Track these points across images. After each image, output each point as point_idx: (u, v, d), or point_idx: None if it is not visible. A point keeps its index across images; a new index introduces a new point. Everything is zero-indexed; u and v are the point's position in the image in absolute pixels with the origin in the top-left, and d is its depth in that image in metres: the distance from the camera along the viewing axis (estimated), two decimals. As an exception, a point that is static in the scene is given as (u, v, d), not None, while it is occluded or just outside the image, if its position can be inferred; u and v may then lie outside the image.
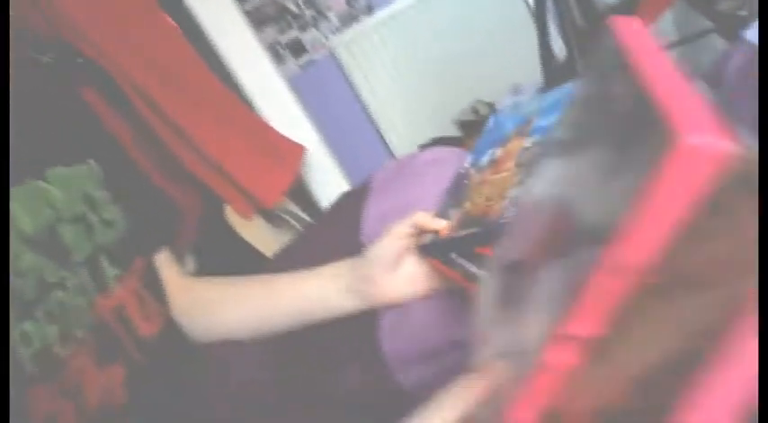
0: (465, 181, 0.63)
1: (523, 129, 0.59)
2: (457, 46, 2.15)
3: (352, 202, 0.90)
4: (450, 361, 0.64)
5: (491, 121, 0.87)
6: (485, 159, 0.68)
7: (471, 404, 0.38)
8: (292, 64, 2.11)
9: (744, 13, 0.95)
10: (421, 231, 0.58)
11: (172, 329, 0.62)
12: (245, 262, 1.45)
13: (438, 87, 2.20)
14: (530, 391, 0.32)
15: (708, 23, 1.22)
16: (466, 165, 0.85)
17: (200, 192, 1.46)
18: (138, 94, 1.31)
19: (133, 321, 0.55)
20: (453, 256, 0.55)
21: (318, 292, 0.62)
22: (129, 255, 0.57)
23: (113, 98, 1.27)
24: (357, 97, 2.18)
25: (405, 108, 2.22)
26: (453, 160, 0.85)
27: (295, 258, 0.94)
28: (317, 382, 0.76)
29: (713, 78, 0.78)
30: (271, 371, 0.76)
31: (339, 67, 2.13)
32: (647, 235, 0.24)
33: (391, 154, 2.24)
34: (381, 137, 2.28)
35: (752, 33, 0.74)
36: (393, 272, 0.59)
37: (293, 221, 1.59)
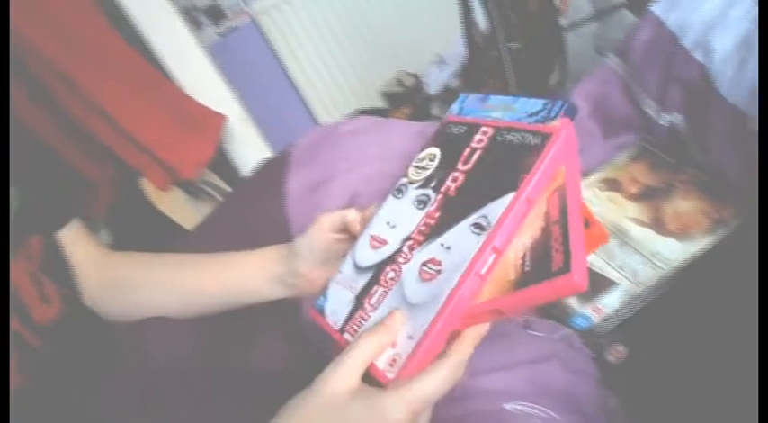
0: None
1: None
2: (381, 15, 2.13)
3: (273, 173, 0.88)
4: None
5: (457, 104, 0.86)
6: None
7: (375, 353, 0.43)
8: (211, 31, 2.02)
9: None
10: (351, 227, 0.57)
11: (75, 311, 0.58)
12: (164, 234, 1.40)
13: (363, 57, 2.18)
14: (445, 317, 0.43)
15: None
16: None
17: (114, 163, 1.38)
18: (43, 62, 1.22)
19: (27, 306, 0.51)
20: None
21: (247, 280, 0.61)
22: (19, 234, 0.53)
23: (15, 68, 1.18)
24: (280, 66, 2.12)
25: (330, 78, 2.19)
26: (373, 131, 0.85)
27: (217, 231, 0.91)
28: (239, 355, 0.75)
29: (623, 51, 0.82)
30: (192, 345, 0.74)
31: (261, 34, 2.06)
32: None
33: (317, 125, 2.22)
34: (307, 107, 2.24)
35: (659, 8, 0.77)
36: (323, 265, 0.58)
37: (215, 193, 1.54)
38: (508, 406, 0.54)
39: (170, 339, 0.72)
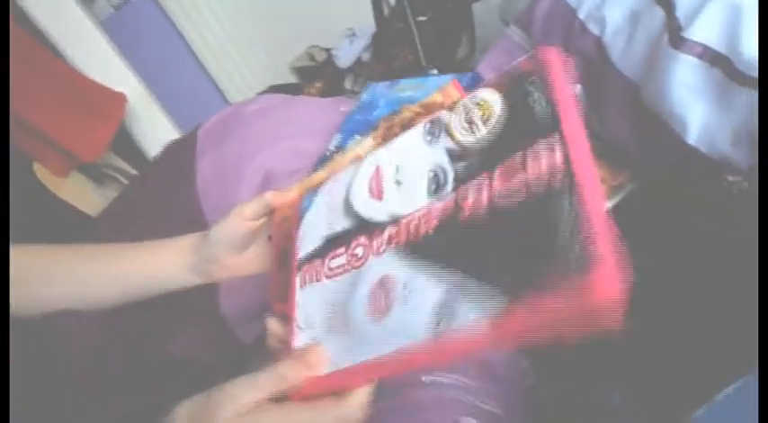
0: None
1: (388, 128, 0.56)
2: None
3: (182, 155, 0.85)
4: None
5: (367, 94, 0.84)
6: (348, 145, 0.65)
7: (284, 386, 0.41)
8: (104, 3, 1.89)
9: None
10: (272, 210, 0.55)
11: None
12: (67, 223, 1.32)
13: (272, 32, 2.11)
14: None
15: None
16: (331, 148, 0.81)
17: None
18: None
19: None
20: None
21: (158, 270, 0.59)
22: None
23: None
24: (182, 40, 2.02)
25: (237, 52, 2.12)
26: (282, 108, 0.83)
27: (125, 216, 0.87)
28: (157, 345, 0.73)
29: (524, 23, 0.84)
30: (110, 337, 0.71)
31: (158, 6, 1.95)
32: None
33: (227, 102, 2.14)
34: (214, 83, 2.16)
35: (556, -20, 0.80)
36: (239, 253, 0.57)
37: (120, 177, 1.46)
38: (425, 378, 0.56)
39: (85, 330, 0.69)
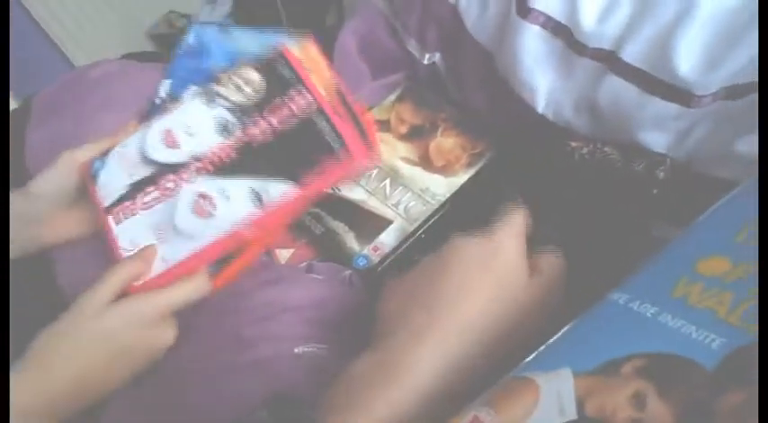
0: (161, 115, 0.60)
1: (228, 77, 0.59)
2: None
3: (12, 127, 0.76)
4: None
5: (194, 36, 0.79)
6: (184, 95, 0.66)
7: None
8: None
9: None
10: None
11: None
12: None
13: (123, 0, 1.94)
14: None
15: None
16: (162, 95, 0.76)
17: None
18: None
19: None
20: None
21: None
22: None
23: None
24: (19, 4, 1.80)
25: (86, 19, 1.92)
26: (127, 74, 0.76)
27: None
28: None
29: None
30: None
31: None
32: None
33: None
34: (62, 53, 1.95)
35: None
36: (66, 210, 0.52)
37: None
38: (298, 350, 0.54)
39: None
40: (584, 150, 0.59)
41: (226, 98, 0.56)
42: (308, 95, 0.53)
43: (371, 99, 0.81)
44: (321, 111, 0.53)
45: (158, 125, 0.57)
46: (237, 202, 0.51)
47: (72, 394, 0.44)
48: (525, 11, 0.61)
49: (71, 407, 0.45)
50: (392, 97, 0.80)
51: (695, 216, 0.38)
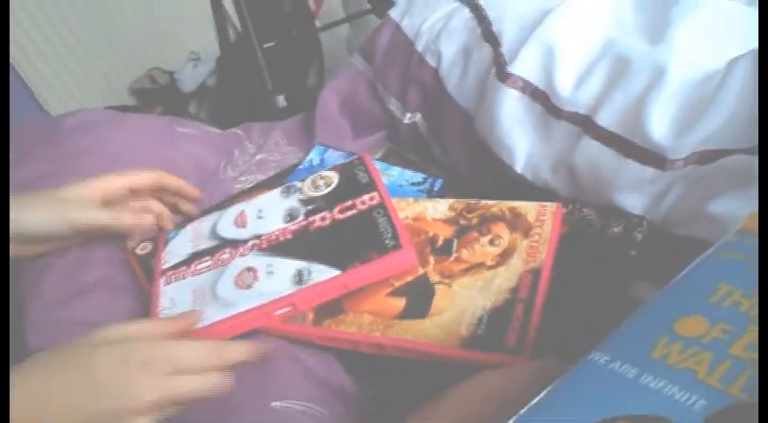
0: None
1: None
2: (129, 9, 1.94)
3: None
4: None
5: (316, 157, 0.81)
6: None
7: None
8: None
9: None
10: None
11: None
12: None
13: (109, 52, 1.96)
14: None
15: (367, 5, 1.33)
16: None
17: None
18: None
19: None
20: None
21: None
22: None
23: None
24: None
25: (66, 73, 1.93)
26: (105, 122, 0.76)
27: None
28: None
29: (367, 52, 0.85)
30: None
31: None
32: None
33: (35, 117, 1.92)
34: (39, 105, 1.95)
35: (395, 13, 0.82)
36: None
37: None
38: (276, 404, 0.52)
39: None
40: (564, 211, 0.60)
41: (301, 191, 0.62)
42: (377, 196, 0.58)
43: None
44: (383, 206, 0.57)
45: (236, 207, 0.63)
46: (279, 279, 0.53)
47: None
48: (504, 75, 0.63)
49: None
50: (375, 158, 0.81)
51: (672, 276, 0.39)
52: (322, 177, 0.63)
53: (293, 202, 0.61)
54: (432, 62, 0.74)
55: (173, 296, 0.56)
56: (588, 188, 0.61)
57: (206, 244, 0.60)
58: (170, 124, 0.84)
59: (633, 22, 0.60)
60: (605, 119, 0.57)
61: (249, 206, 0.63)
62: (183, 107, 1.82)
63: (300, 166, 0.76)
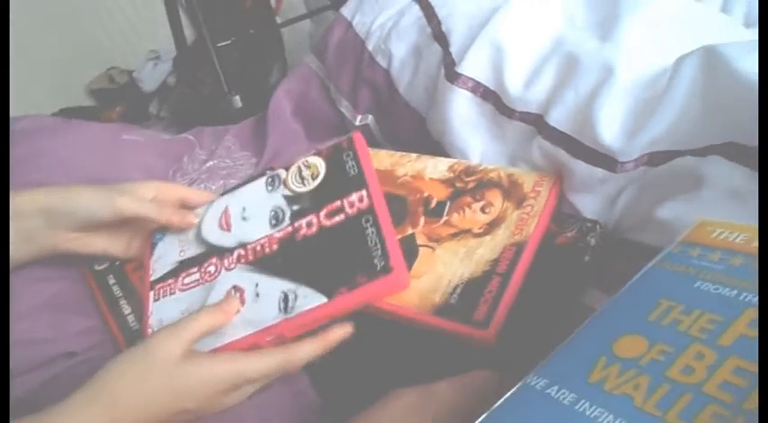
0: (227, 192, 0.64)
1: None
2: (87, 6, 1.88)
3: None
4: (59, 369, 0.57)
5: None
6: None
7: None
8: None
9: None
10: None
11: None
12: None
13: (65, 51, 1.90)
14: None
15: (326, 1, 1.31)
16: None
17: None
18: None
19: None
20: None
21: None
22: None
23: None
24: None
25: (22, 74, 1.86)
26: (48, 129, 0.73)
27: None
28: None
29: (320, 51, 0.83)
30: None
31: None
32: None
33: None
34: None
35: (347, 10, 0.80)
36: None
37: None
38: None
39: None
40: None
41: (286, 185, 0.57)
42: (365, 196, 0.52)
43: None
44: (373, 212, 0.51)
45: (220, 203, 0.59)
46: (265, 304, 0.50)
47: None
48: (454, 76, 0.61)
49: None
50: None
51: (624, 284, 0.37)
52: (308, 166, 0.57)
53: (278, 198, 0.56)
54: (383, 62, 0.72)
55: (161, 316, 0.54)
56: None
57: (192, 250, 0.57)
58: (116, 131, 0.81)
59: (582, 18, 0.59)
60: (556, 119, 0.55)
61: (233, 201, 0.59)
62: (144, 107, 1.77)
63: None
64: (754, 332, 0.29)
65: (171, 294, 0.55)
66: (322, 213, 0.53)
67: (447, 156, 0.65)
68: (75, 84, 1.92)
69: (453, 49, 0.63)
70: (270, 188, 0.58)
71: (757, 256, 0.32)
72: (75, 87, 1.92)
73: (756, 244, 0.33)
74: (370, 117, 0.75)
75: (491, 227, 0.53)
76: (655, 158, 0.49)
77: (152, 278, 0.57)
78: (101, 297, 0.62)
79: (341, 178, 0.55)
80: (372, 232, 0.50)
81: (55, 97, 1.91)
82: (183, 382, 0.44)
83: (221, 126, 0.88)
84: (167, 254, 0.58)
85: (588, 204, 0.55)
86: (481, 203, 0.56)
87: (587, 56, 0.54)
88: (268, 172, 0.60)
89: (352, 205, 0.52)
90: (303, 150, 0.80)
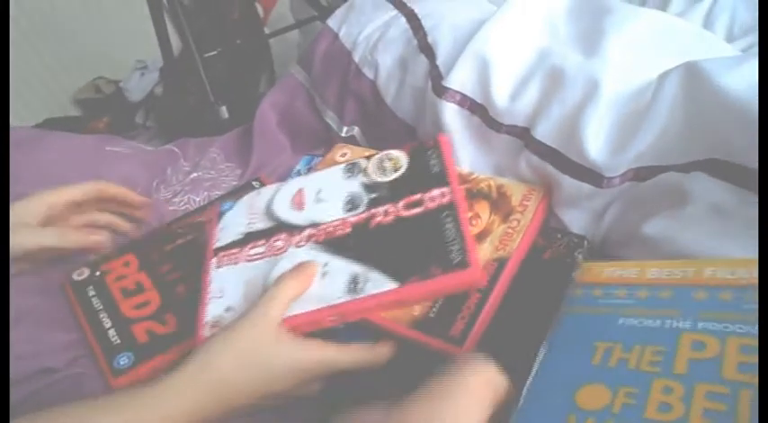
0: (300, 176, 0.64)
1: None
2: (73, 16, 1.87)
3: None
4: (39, 385, 0.56)
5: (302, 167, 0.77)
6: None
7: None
8: None
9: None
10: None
11: None
12: None
13: (52, 61, 1.89)
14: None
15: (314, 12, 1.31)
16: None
17: None
18: None
19: None
20: None
21: None
22: None
23: None
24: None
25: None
26: (30, 141, 0.72)
27: None
28: None
29: (306, 62, 0.82)
30: None
31: None
32: None
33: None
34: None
35: (333, 21, 0.79)
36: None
37: None
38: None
39: None
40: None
41: (366, 173, 0.55)
42: (448, 192, 0.50)
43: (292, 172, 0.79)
44: (454, 208, 0.49)
45: (294, 183, 0.57)
46: (332, 283, 0.48)
47: (227, 402, 0.43)
48: (441, 90, 0.61)
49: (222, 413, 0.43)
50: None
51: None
52: (390, 158, 0.55)
53: (356, 186, 0.54)
54: (369, 74, 0.72)
55: (223, 284, 0.52)
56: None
57: (261, 223, 0.55)
58: (99, 143, 0.80)
59: (567, 31, 0.59)
60: (543, 132, 0.55)
61: (308, 183, 0.57)
62: (130, 117, 1.76)
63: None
64: (700, 354, 0.29)
65: (234, 264, 0.53)
66: (400, 204, 0.51)
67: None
68: (61, 93, 1.91)
69: (440, 61, 0.63)
70: (348, 175, 0.56)
71: (657, 286, 0.33)
72: (61, 97, 1.91)
73: (650, 276, 0.35)
74: (356, 129, 0.75)
75: (476, 240, 0.53)
76: (640, 174, 0.49)
77: (216, 245, 0.55)
78: (80, 310, 0.61)
79: (423, 173, 0.53)
80: (451, 227, 0.48)
81: (41, 107, 1.89)
82: (280, 363, 0.44)
83: (207, 137, 0.88)
84: (234, 224, 0.56)
85: (575, 219, 0.55)
86: (468, 215, 0.55)
87: (572, 69, 0.54)
88: (344, 163, 0.58)
89: (432, 200, 0.50)
90: (288, 162, 0.80)
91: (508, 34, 0.59)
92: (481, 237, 0.53)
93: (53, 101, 1.90)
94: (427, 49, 0.65)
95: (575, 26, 0.59)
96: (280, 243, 0.53)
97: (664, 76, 0.48)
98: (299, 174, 0.74)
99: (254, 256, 0.53)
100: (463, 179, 0.58)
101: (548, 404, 0.30)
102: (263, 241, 0.53)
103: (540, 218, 0.54)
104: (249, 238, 0.55)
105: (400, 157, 0.55)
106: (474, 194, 0.57)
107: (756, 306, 0.30)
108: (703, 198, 0.44)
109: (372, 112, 0.73)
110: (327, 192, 0.55)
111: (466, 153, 0.63)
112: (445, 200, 0.50)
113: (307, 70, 0.82)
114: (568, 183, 0.53)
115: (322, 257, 0.50)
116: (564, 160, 0.53)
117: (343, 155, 0.68)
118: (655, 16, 0.56)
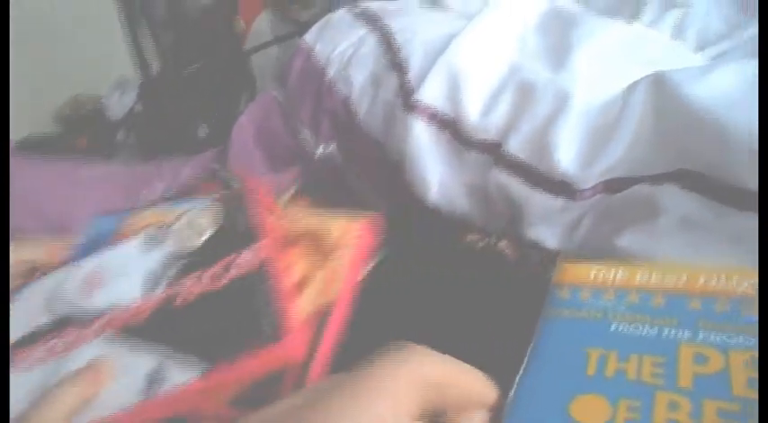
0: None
1: None
2: (50, 33, 1.86)
3: None
4: None
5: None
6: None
7: None
8: None
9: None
10: None
11: None
12: None
13: (32, 78, 1.87)
14: None
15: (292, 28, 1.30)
16: None
17: None
18: None
19: None
20: None
21: None
22: None
23: None
24: None
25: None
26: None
27: None
28: None
29: (282, 79, 0.82)
30: None
31: None
32: None
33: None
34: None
35: (309, 37, 0.79)
36: None
37: None
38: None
39: None
40: (480, 244, 0.58)
41: (169, 242, 0.48)
42: (259, 252, 0.43)
43: (270, 192, 0.78)
44: (265, 272, 0.42)
45: (85, 264, 0.49)
46: (124, 387, 0.40)
47: None
48: (411, 105, 0.61)
49: None
50: (287, 194, 0.77)
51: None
52: (199, 218, 0.49)
53: (156, 259, 0.48)
54: (342, 90, 0.71)
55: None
56: (504, 218, 0.59)
57: (45, 317, 0.47)
58: (74, 167, 0.79)
59: (536, 45, 0.59)
60: (514, 147, 0.55)
61: (101, 262, 0.49)
62: (111, 134, 1.75)
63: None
64: (704, 368, 0.28)
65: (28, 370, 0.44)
66: (207, 274, 0.44)
67: (407, 183, 0.64)
68: (40, 110, 1.89)
69: (411, 75, 0.62)
70: (149, 246, 0.49)
71: (648, 291, 0.32)
72: (40, 114, 1.89)
73: (639, 279, 0.34)
74: (332, 146, 0.74)
75: (296, 291, 0.44)
76: (611, 186, 0.49)
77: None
78: None
79: (231, 232, 0.47)
80: (261, 293, 0.41)
81: (20, 124, 1.87)
82: None
83: (184, 156, 0.87)
84: (21, 316, 0.48)
85: (549, 235, 0.54)
86: (284, 266, 0.45)
87: (542, 83, 0.53)
88: (144, 232, 0.51)
89: (240, 265, 0.44)
90: (265, 180, 0.79)
91: (478, 48, 0.59)
92: (301, 285, 0.45)
93: (33, 118, 1.88)
94: (398, 65, 0.64)
95: (543, 40, 0.59)
96: (61, 343, 0.45)
97: (632, 87, 0.48)
98: (99, 237, 0.61)
99: (37, 360, 0.44)
100: (276, 226, 0.49)
101: (538, 416, 0.29)
102: (51, 338, 0.45)
103: (366, 251, 0.48)
104: (35, 336, 0.46)
105: (209, 214, 0.49)
106: (289, 241, 0.48)
107: (756, 318, 0.29)
108: (674, 210, 0.43)
109: (345, 129, 0.72)
110: (124, 269, 0.48)
111: (435, 171, 0.62)
112: (256, 261, 0.43)
113: (283, 86, 0.82)
114: (541, 198, 0.53)
115: (117, 351, 0.42)
116: (536, 174, 0.53)
117: (144, 220, 0.58)
118: (623, 28, 0.56)
